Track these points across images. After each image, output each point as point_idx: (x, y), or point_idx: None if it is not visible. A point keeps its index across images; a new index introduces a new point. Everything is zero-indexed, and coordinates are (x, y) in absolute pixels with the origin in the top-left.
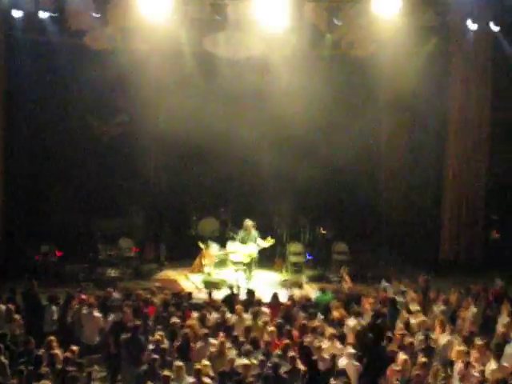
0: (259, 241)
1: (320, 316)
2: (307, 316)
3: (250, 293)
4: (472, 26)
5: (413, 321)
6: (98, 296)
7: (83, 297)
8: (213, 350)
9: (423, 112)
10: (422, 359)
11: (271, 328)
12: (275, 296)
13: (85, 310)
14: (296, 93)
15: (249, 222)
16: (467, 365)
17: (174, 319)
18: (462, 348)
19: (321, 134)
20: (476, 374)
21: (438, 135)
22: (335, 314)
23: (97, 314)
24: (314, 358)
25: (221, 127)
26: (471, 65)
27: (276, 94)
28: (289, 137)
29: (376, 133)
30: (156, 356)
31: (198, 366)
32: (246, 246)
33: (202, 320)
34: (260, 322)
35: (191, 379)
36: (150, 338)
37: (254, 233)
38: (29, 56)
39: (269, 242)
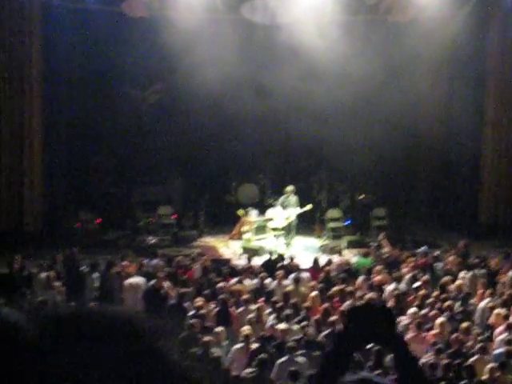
0: (298, 206)
1: (360, 280)
2: (346, 280)
3: (290, 258)
4: None
5: (451, 285)
6: (138, 263)
7: (124, 264)
8: (252, 315)
9: (461, 75)
10: (464, 324)
11: (314, 293)
12: (316, 261)
13: (126, 278)
14: (334, 59)
15: (289, 188)
16: (508, 328)
17: (214, 285)
18: (502, 311)
19: (360, 100)
20: None
21: (476, 100)
22: (377, 278)
23: (139, 281)
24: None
25: (258, 94)
26: (509, 26)
27: (314, 59)
28: (328, 103)
29: (414, 98)
30: (196, 321)
31: (245, 332)
32: (285, 211)
33: (242, 286)
34: (303, 288)
35: (239, 345)
36: (191, 303)
37: (294, 198)
38: (66, 24)
39: (307, 207)
